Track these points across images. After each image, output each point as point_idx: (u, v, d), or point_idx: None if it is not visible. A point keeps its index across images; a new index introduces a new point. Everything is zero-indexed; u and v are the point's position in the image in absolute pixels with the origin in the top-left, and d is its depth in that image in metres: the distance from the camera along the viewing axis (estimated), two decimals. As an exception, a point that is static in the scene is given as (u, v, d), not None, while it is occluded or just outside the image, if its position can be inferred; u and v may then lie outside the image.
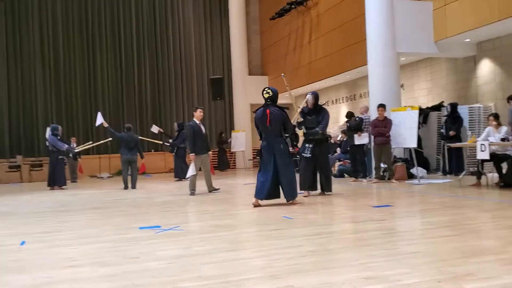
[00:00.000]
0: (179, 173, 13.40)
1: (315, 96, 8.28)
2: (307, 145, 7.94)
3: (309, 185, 7.98)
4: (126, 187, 11.17)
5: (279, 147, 6.93)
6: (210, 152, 10.18)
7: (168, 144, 14.17)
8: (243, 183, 11.78)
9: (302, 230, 4.88)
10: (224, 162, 18.75)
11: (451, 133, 10.86)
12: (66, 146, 12.86)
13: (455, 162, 10.90)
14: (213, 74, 20.14)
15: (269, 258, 3.69)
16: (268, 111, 7.02)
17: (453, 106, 11.16)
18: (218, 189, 9.51)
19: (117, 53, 19.52)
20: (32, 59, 18.44)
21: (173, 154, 13.76)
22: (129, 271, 3.47)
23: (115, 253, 4.12)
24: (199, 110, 9.47)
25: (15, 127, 18.17)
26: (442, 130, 11.30)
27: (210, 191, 9.37)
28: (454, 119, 11.01)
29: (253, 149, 19.71)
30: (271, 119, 6.96)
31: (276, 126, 6.97)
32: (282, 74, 7.13)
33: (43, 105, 18.52)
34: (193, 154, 9.05)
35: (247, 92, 20.43)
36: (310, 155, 7.87)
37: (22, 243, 4.79)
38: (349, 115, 11.35)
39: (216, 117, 20.91)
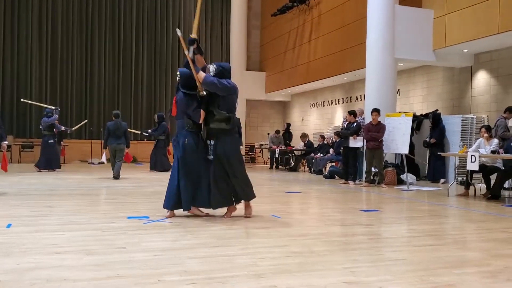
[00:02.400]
0: (156, 165, 13.39)
1: (219, 66, 5.58)
2: (208, 141, 5.57)
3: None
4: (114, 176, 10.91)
5: (183, 141, 5.42)
6: None
7: (146, 134, 14.21)
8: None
9: (289, 230, 4.90)
10: None
11: (432, 140, 11.22)
12: (63, 127, 13.43)
13: (433, 169, 11.30)
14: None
15: (254, 256, 3.71)
16: (175, 98, 5.64)
17: (435, 115, 11.38)
18: None
19: (116, 42, 19.44)
20: (29, 40, 18.33)
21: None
22: (114, 261, 3.48)
23: (101, 242, 4.12)
24: None
25: (8, 107, 18.06)
26: (426, 138, 11.51)
27: None
28: (435, 127, 11.30)
29: (245, 145, 19.74)
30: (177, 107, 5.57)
31: (179, 116, 5.54)
32: (178, 30, 5.42)
33: (38, 87, 18.43)
34: None
35: (243, 87, 20.30)
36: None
37: (8, 225, 4.78)
38: (352, 113, 11.14)
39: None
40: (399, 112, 11.35)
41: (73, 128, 14.97)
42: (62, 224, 4.96)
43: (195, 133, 5.47)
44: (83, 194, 7.73)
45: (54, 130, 13.02)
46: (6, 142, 7.77)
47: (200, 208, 5.54)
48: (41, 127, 13.05)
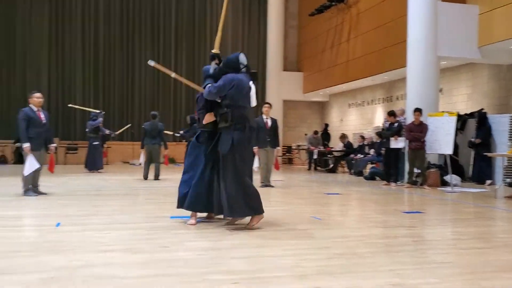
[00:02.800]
0: None
1: (222, 64, 5.24)
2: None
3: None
4: (146, 177, 10.88)
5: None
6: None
7: (178, 135, 14.47)
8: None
9: (330, 232, 4.87)
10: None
11: (477, 140, 10.93)
12: (107, 130, 14.24)
13: (479, 170, 11.02)
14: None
15: (297, 257, 3.71)
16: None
17: (480, 114, 11.04)
18: (273, 186, 9.57)
19: (155, 45, 19.82)
20: (73, 45, 18.94)
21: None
22: (159, 260, 3.56)
23: (146, 241, 4.22)
24: (264, 105, 9.74)
25: (54, 111, 18.68)
26: (471, 138, 11.18)
27: (264, 185, 9.48)
28: (481, 127, 10.99)
29: (283, 146, 19.70)
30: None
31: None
32: (150, 61, 5.38)
33: (81, 91, 19.00)
34: (256, 147, 9.26)
35: (280, 88, 20.40)
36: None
37: (58, 224, 4.96)
38: (391, 113, 10.95)
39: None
40: (442, 111, 11.06)
41: (117, 132, 15.36)
42: (108, 223, 5.11)
43: (209, 133, 5.17)
44: (126, 194, 7.93)
45: (99, 132, 13.47)
46: (54, 145, 8.06)
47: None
48: (87, 129, 13.53)
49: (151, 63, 5.29)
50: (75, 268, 3.28)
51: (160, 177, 11.07)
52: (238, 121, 4.88)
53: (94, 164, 13.25)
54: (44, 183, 8.08)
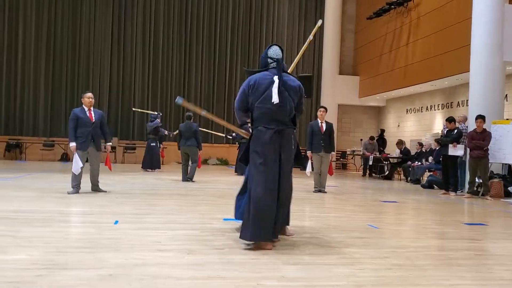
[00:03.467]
0: (237, 168, 13.71)
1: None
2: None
3: None
4: (184, 179, 10.78)
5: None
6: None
7: (230, 138, 14.58)
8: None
9: (388, 241, 4.71)
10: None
11: None
12: (166, 131, 14.59)
13: None
14: (302, 72, 20.06)
15: (354, 267, 3.60)
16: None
17: None
18: (326, 192, 9.47)
19: (212, 51, 20.10)
20: (134, 49, 19.56)
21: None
22: (214, 262, 3.56)
23: (201, 242, 4.24)
24: (319, 109, 9.71)
25: (113, 111, 19.36)
26: None
27: (317, 191, 9.42)
28: None
29: (337, 151, 19.42)
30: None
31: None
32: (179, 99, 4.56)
33: (140, 93, 19.57)
34: (309, 151, 9.34)
35: (336, 92, 20.15)
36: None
37: (116, 222, 5.09)
38: (451, 120, 10.51)
39: (302, 116, 20.80)
40: (507, 119, 10.52)
41: (175, 133, 15.63)
42: (164, 223, 5.19)
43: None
44: (180, 194, 8.05)
45: (158, 133, 13.85)
46: (110, 144, 8.26)
47: None
48: (146, 130, 13.96)
49: (179, 100, 4.61)
50: (132, 266, 3.33)
51: (194, 179, 10.85)
52: (256, 124, 4.24)
53: (151, 163, 13.65)
54: (103, 180, 8.33)
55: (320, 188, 9.46)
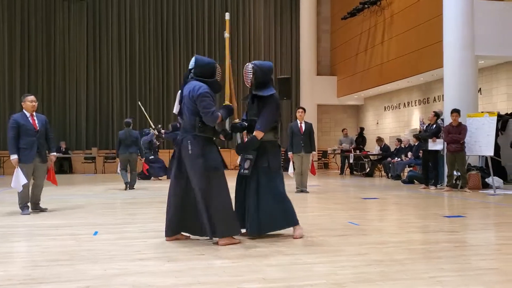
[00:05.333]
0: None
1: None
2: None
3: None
4: (126, 187, 10.53)
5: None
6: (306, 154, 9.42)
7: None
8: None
9: (368, 237, 4.75)
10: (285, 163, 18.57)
11: None
12: (149, 136, 13.75)
13: None
14: (281, 74, 20.14)
15: (334, 265, 3.61)
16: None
17: None
18: (308, 192, 9.49)
19: (189, 55, 19.92)
20: (110, 56, 19.36)
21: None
22: (194, 268, 3.54)
23: (181, 249, 4.21)
24: (298, 110, 9.71)
25: (91, 120, 19.15)
26: None
27: (300, 191, 9.42)
28: None
29: (318, 151, 19.51)
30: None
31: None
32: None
33: (119, 100, 19.38)
34: (290, 152, 9.36)
35: (314, 93, 20.27)
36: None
37: (95, 233, 5.03)
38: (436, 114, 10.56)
39: (282, 117, 20.83)
40: (482, 112, 10.71)
41: (162, 130, 14.87)
42: (144, 232, 5.14)
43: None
44: (162, 202, 7.96)
45: (153, 146, 13.55)
46: (55, 154, 7.10)
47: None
48: (142, 146, 13.20)
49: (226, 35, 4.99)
50: (111, 277, 3.29)
51: (135, 187, 10.68)
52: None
53: (165, 171, 13.40)
54: (82, 192, 8.22)
55: (302, 188, 9.50)
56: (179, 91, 4.60)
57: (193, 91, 4.41)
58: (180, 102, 4.57)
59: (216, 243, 4.37)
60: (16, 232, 5.14)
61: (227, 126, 4.81)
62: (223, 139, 4.84)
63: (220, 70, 4.74)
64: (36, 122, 6.65)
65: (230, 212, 4.45)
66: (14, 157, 6.45)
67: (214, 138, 4.60)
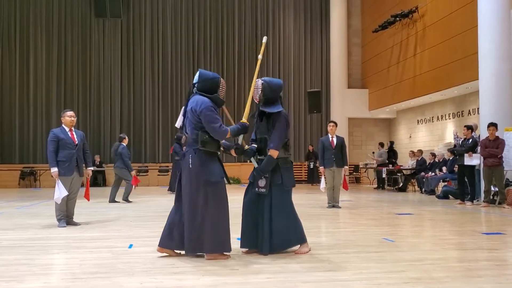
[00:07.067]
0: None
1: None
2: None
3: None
4: (112, 200, 10.67)
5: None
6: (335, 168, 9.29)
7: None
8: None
9: (404, 254, 4.65)
10: (314, 177, 18.36)
11: None
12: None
13: None
14: (310, 87, 20.13)
15: (370, 282, 3.56)
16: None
17: None
18: (340, 207, 9.39)
19: (219, 69, 20.18)
20: (143, 72, 19.74)
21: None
22: (229, 283, 3.54)
23: (215, 263, 4.22)
24: (329, 124, 9.64)
25: (124, 133, 19.48)
26: None
27: (331, 206, 9.35)
28: None
29: (350, 165, 19.32)
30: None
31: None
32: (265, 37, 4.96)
33: (151, 115, 19.70)
34: (322, 167, 9.34)
35: (345, 106, 20.14)
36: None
37: (130, 246, 5.09)
38: (469, 127, 10.35)
39: (312, 130, 20.82)
40: (520, 125, 10.41)
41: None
42: (178, 245, 5.16)
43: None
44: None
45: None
46: (91, 168, 7.36)
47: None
48: (175, 152, 13.16)
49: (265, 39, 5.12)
50: (147, 290, 3.33)
51: (117, 199, 10.73)
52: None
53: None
54: (117, 205, 8.32)
55: (334, 203, 9.40)
56: (184, 106, 4.68)
57: (196, 105, 4.46)
58: (184, 116, 4.65)
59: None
60: (54, 245, 5.26)
61: (239, 141, 4.79)
62: (234, 154, 4.86)
63: (225, 85, 4.76)
64: (75, 136, 6.87)
65: (224, 228, 4.47)
66: (54, 169, 6.64)
67: (219, 153, 4.63)
